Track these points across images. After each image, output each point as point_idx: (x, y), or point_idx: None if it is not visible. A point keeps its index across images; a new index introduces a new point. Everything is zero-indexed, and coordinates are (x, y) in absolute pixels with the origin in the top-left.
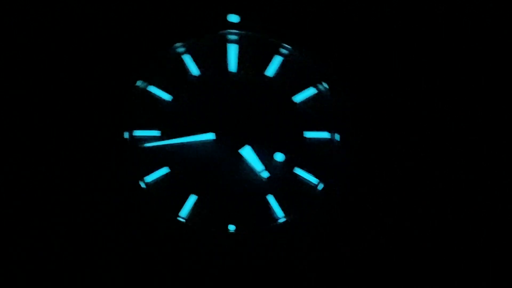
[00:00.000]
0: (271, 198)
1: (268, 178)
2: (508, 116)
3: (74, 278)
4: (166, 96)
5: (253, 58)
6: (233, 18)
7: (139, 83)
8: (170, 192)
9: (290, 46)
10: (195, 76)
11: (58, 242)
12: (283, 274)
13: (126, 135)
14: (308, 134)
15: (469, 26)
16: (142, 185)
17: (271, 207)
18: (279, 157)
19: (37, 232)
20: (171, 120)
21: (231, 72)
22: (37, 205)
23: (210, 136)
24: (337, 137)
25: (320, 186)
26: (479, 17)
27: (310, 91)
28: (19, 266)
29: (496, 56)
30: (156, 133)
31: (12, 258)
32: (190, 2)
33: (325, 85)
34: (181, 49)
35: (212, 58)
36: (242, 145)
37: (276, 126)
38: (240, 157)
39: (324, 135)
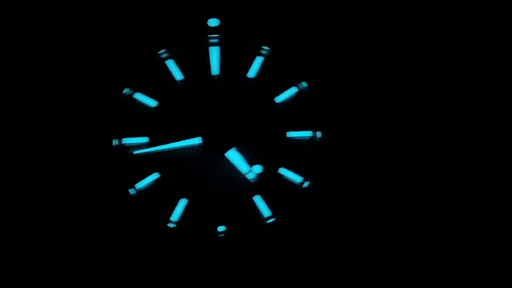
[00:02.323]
0: (258, 199)
1: (254, 179)
2: (501, 116)
3: (66, 284)
4: (151, 102)
5: (235, 60)
6: (213, 22)
7: (125, 90)
8: (161, 197)
9: (269, 47)
10: (178, 81)
11: (49, 250)
12: (274, 274)
13: (115, 142)
14: (291, 134)
15: (454, 24)
16: (132, 192)
17: (259, 207)
18: (257, 169)
19: (28, 239)
20: (157, 126)
21: (213, 75)
22: (27, 213)
23: (197, 140)
24: (319, 135)
25: (306, 184)
26: (467, 15)
27: (291, 91)
28: (11, 271)
29: (488, 55)
30: (144, 139)
31: (3, 262)
32: (170, 9)
33: (305, 84)
34: (165, 55)
35: (194, 63)
36: (228, 148)
37: (259, 127)
38: (227, 159)
39: (307, 134)
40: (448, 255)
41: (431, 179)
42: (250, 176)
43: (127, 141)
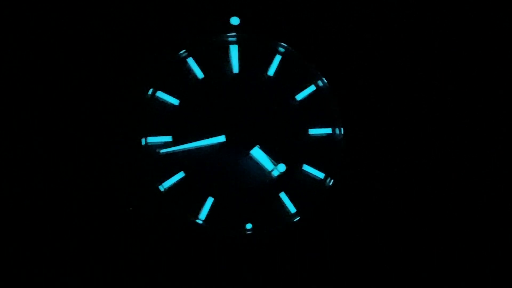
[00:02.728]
0: (283, 195)
1: (278, 176)
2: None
3: (92, 279)
4: (173, 101)
5: (255, 59)
6: (234, 20)
7: (150, 91)
8: (187, 196)
9: (289, 45)
10: (199, 79)
11: (75, 248)
12: (299, 270)
13: (142, 142)
14: (313, 131)
15: (464, 27)
16: (161, 189)
17: (284, 204)
18: (281, 167)
19: (54, 235)
20: (180, 125)
21: (234, 74)
22: (56, 212)
23: (221, 139)
24: (340, 131)
25: (329, 181)
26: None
27: (311, 89)
28: (30, 266)
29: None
30: (168, 138)
31: (24, 257)
32: (191, 8)
33: (325, 81)
34: (185, 54)
35: (215, 61)
36: (251, 146)
37: (281, 124)
38: (251, 157)
39: (327, 131)
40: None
41: (454, 175)
42: (275, 173)
43: (151, 140)
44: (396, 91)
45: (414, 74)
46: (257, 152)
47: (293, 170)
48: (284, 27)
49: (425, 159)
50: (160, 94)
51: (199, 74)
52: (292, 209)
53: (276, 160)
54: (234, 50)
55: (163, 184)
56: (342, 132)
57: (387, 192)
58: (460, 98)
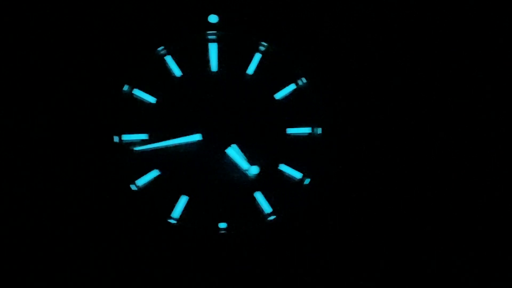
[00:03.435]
0: (259, 195)
1: (255, 175)
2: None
3: (65, 279)
4: (150, 99)
5: (234, 57)
6: (213, 18)
7: (125, 87)
8: (161, 194)
9: (268, 43)
10: (177, 77)
11: (49, 245)
12: (275, 271)
13: (116, 139)
14: (291, 131)
15: (455, 26)
16: (133, 188)
17: (260, 203)
18: (254, 170)
19: (28, 234)
20: (156, 123)
21: (212, 72)
22: (28, 208)
23: (197, 137)
24: (318, 131)
25: (306, 181)
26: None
27: (290, 88)
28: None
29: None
30: (143, 136)
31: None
32: (170, 6)
33: (304, 80)
34: (163, 52)
35: (193, 59)
36: (228, 145)
37: (259, 123)
38: (227, 156)
39: (306, 130)
40: (447, 255)
41: (430, 177)
42: (250, 173)
43: (126, 137)
44: (378, 90)
45: (398, 74)
46: (232, 151)
47: (270, 169)
48: (266, 25)
49: (406, 159)
50: (137, 92)
51: (177, 72)
52: (267, 208)
53: (253, 159)
54: (213, 48)
55: (137, 181)
56: (320, 132)
57: (366, 192)
58: (444, 94)
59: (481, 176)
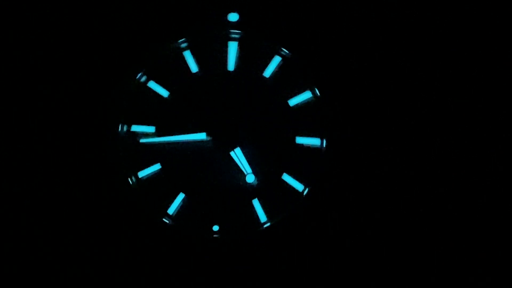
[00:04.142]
0: (256, 203)
1: (255, 182)
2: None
3: (60, 275)
4: (163, 92)
5: (252, 58)
6: (233, 17)
7: (143, 78)
8: (161, 189)
9: (287, 49)
10: (193, 73)
11: (46, 237)
12: (266, 277)
13: (124, 128)
14: (300, 140)
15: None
16: (130, 181)
17: (256, 211)
18: (250, 178)
19: (27, 225)
20: (166, 117)
21: (229, 71)
22: (28, 199)
23: (201, 136)
24: (324, 143)
25: (306, 193)
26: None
27: (305, 95)
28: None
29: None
30: (151, 129)
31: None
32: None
33: (317, 91)
34: (183, 45)
35: (211, 56)
36: (234, 147)
37: (269, 128)
38: (231, 158)
39: (315, 141)
40: (447, 257)
41: (434, 189)
42: (250, 179)
43: (135, 128)
44: (388, 107)
45: (409, 90)
46: (236, 154)
47: (272, 178)
48: (289, 32)
49: (408, 174)
50: (152, 84)
51: (193, 68)
52: (262, 217)
53: (255, 165)
54: (233, 47)
55: (138, 173)
56: (325, 144)
57: (366, 206)
58: (449, 107)
59: (481, 179)
